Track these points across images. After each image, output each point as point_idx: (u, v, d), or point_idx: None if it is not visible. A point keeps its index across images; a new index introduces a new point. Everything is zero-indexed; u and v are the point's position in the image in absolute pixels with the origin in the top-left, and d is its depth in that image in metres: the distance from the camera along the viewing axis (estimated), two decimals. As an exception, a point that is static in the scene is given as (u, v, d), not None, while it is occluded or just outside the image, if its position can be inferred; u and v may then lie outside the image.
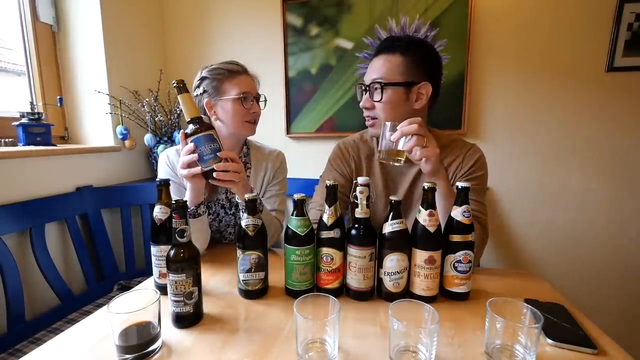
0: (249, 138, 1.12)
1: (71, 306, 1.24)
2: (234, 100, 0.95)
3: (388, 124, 0.77)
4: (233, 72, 0.97)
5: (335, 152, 1.05)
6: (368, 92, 0.90)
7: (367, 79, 0.91)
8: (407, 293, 0.71)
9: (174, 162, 1.01)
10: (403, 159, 0.79)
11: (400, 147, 0.77)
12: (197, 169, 0.77)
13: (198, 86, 0.99)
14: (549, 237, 1.59)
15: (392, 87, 0.87)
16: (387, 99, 0.88)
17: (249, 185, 0.86)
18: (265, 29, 1.74)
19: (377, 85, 0.87)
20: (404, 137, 0.74)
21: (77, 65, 1.56)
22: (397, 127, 0.74)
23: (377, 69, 0.89)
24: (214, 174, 0.76)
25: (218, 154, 0.76)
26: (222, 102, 0.96)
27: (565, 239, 1.57)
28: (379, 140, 0.80)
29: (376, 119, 0.92)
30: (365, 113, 0.94)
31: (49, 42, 1.52)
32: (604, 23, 1.41)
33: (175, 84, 0.75)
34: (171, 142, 1.66)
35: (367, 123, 0.96)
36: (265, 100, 1.03)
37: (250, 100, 0.97)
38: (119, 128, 1.54)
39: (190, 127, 0.76)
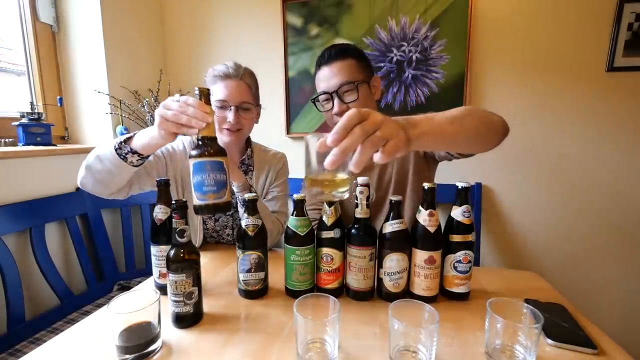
0: (253, 140, 1.13)
1: (71, 306, 1.24)
2: (213, 106, 0.91)
3: (312, 138, 0.50)
4: (217, 76, 0.95)
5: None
6: (338, 98, 0.92)
7: (332, 85, 0.91)
8: (407, 293, 0.71)
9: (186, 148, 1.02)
10: (349, 187, 0.52)
11: (343, 172, 0.50)
12: (175, 126, 0.64)
13: None
14: (549, 237, 1.59)
15: (360, 84, 0.92)
16: (361, 96, 0.92)
17: (243, 176, 0.85)
18: (265, 29, 1.74)
19: (352, 86, 0.91)
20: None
21: (77, 65, 1.56)
22: (329, 141, 0.46)
23: (338, 73, 0.91)
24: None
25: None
26: None
27: (565, 239, 1.57)
28: (306, 165, 0.53)
29: None
30: (338, 119, 0.92)
31: (49, 42, 1.52)
32: (604, 23, 1.41)
33: (197, 91, 0.64)
34: (171, 142, 1.66)
35: None
36: (247, 109, 0.97)
37: (225, 108, 0.94)
38: (119, 128, 1.54)
39: (198, 147, 0.63)
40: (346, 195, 0.52)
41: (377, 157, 0.48)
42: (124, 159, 0.75)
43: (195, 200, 0.62)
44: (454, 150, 0.59)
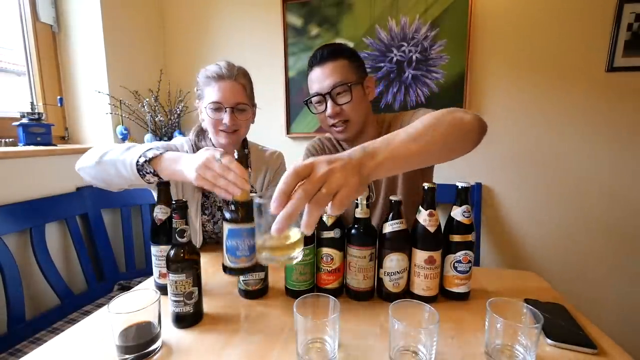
0: (250, 140, 1.12)
1: (71, 306, 1.24)
2: (207, 108, 0.93)
3: (260, 200, 0.49)
4: (210, 77, 0.93)
5: (305, 153, 1.12)
6: (331, 99, 0.90)
7: (325, 87, 0.90)
8: (407, 293, 0.71)
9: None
10: (301, 249, 0.52)
11: (295, 233, 0.49)
12: (218, 190, 0.64)
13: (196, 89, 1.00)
14: (549, 237, 1.59)
15: (354, 85, 0.90)
16: (355, 98, 0.90)
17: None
18: (265, 29, 1.74)
19: (345, 87, 0.89)
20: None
21: (77, 65, 1.56)
22: (272, 209, 0.43)
23: (331, 74, 0.89)
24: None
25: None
26: (203, 107, 0.96)
27: (565, 239, 1.57)
28: (256, 227, 0.53)
29: (348, 120, 0.92)
30: (332, 121, 0.93)
31: (49, 42, 1.52)
32: (604, 23, 1.41)
33: (236, 155, 0.66)
34: (171, 142, 1.66)
35: (337, 130, 0.94)
36: (243, 110, 0.95)
37: (221, 110, 0.92)
38: (119, 128, 1.54)
39: (233, 212, 0.63)
40: (300, 258, 0.52)
41: (330, 211, 0.45)
42: (142, 175, 0.76)
43: (227, 262, 0.63)
44: (425, 165, 0.57)
